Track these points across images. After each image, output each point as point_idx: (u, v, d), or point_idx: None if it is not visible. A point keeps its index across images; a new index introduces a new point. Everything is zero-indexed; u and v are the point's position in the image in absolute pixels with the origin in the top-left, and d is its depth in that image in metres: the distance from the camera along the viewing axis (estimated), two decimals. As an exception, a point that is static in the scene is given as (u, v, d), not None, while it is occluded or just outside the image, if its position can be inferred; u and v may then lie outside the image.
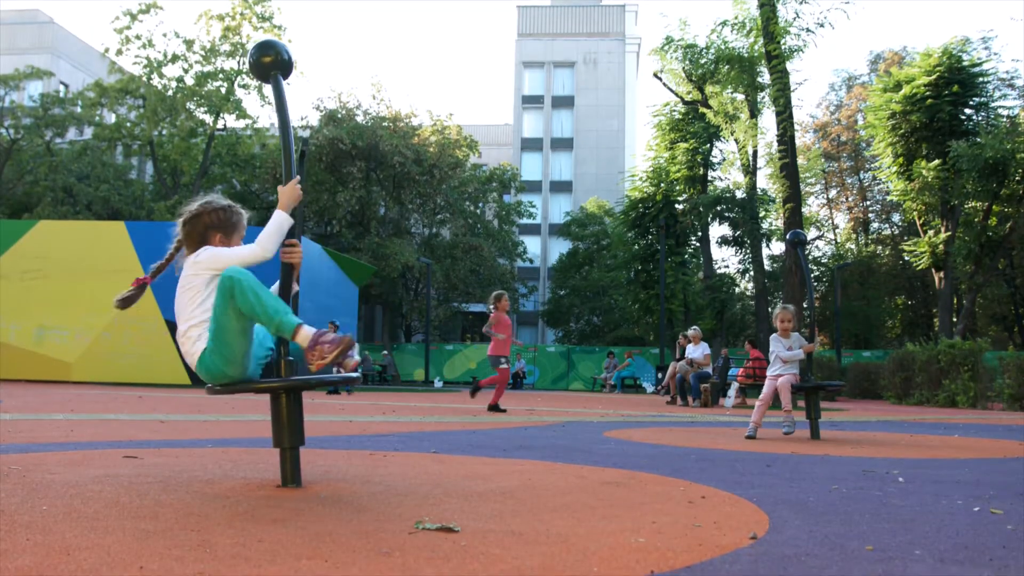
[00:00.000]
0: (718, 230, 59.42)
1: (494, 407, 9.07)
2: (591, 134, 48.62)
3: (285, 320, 2.64)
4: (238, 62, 29.94)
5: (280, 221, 2.81)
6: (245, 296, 2.63)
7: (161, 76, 29.93)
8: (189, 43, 29.64)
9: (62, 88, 37.48)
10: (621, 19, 50.19)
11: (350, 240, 29.50)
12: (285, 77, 2.96)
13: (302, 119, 31.90)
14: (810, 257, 35.25)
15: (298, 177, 2.91)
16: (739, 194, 28.12)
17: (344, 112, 30.34)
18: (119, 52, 29.71)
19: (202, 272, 2.81)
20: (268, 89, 2.99)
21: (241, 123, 32.09)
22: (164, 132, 31.12)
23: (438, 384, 25.04)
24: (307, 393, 10.56)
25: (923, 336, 29.00)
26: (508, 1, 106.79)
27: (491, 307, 9.52)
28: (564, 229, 40.53)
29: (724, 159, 29.75)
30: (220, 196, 3.07)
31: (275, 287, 2.89)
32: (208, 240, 2.91)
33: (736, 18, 20.30)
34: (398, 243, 29.13)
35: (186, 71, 29.92)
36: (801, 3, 17.79)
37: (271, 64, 2.90)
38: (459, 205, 32.75)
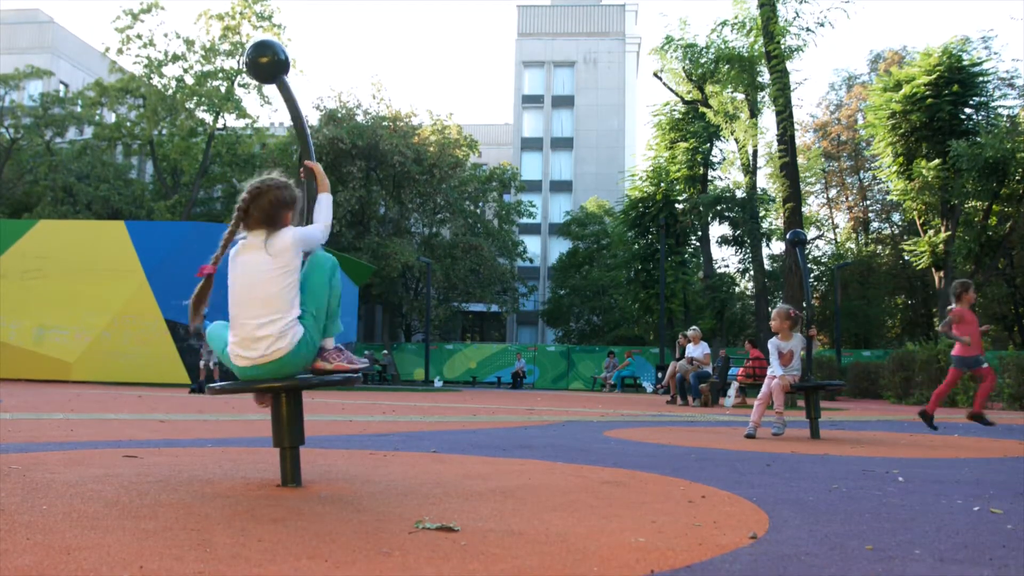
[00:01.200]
0: (718, 230, 59.43)
1: (978, 416, 6.53)
2: (591, 134, 48.60)
3: (331, 326, 2.85)
4: (238, 61, 29.92)
5: (328, 201, 2.91)
6: (337, 285, 2.85)
7: (161, 76, 29.93)
8: (190, 43, 29.65)
9: (62, 88, 37.48)
10: (621, 19, 50.17)
11: (350, 240, 29.51)
12: (277, 77, 2.94)
13: (302, 119, 31.87)
14: (810, 257, 35.25)
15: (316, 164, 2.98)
16: (739, 194, 28.10)
17: (344, 112, 30.33)
18: (120, 52, 29.72)
19: (299, 255, 2.77)
20: (268, 88, 3.02)
21: (241, 122, 32.10)
22: (164, 132, 31.12)
23: (438, 384, 25.05)
24: (307, 393, 10.56)
25: (923, 336, 29.01)
26: (508, 1, 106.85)
27: (953, 300, 6.70)
28: (564, 229, 40.52)
29: (724, 159, 29.74)
30: (277, 174, 2.95)
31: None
32: (281, 220, 2.78)
33: (736, 18, 20.27)
34: (398, 243, 29.13)
35: (186, 71, 29.93)
36: (801, 3, 17.75)
37: (270, 66, 2.88)
38: (459, 205, 32.73)
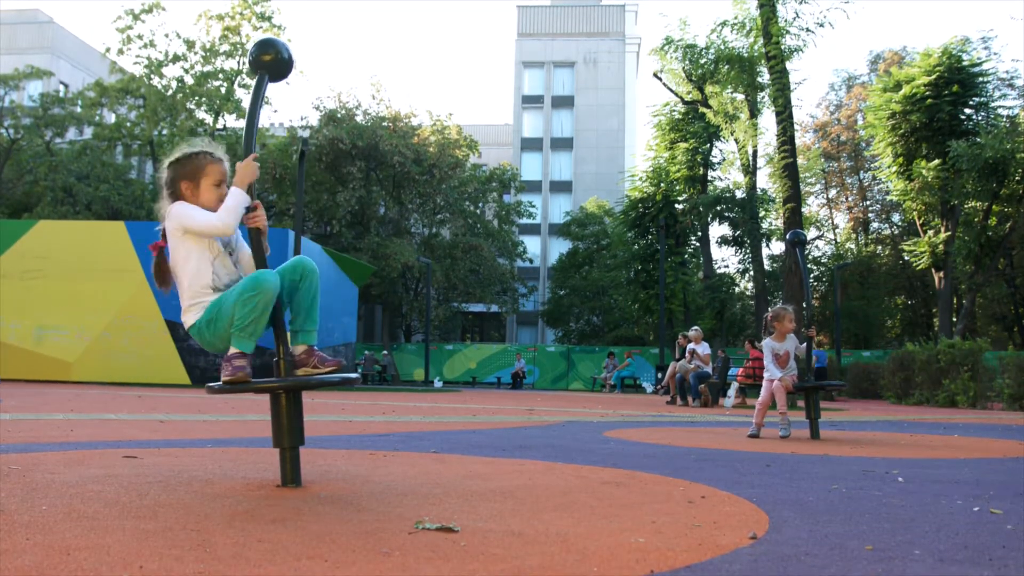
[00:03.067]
0: (718, 230, 59.46)
1: None
2: (591, 134, 48.62)
3: (235, 337, 2.74)
4: (238, 62, 29.94)
5: (236, 196, 2.75)
6: (246, 301, 2.68)
7: (161, 76, 29.96)
8: (190, 43, 29.68)
9: (62, 88, 37.49)
10: (621, 19, 50.19)
11: (350, 240, 29.51)
12: (281, 77, 2.93)
13: (302, 119, 31.92)
14: (810, 257, 35.25)
15: (255, 154, 2.83)
16: (739, 194, 28.14)
17: (344, 112, 30.33)
18: (120, 52, 29.76)
19: (174, 230, 2.79)
20: (268, 88, 2.96)
21: (241, 123, 32.10)
22: (164, 132, 31.14)
23: (438, 384, 25.05)
24: (307, 393, 10.56)
25: (923, 336, 29.02)
26: (508, 1, 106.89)
27: None
28: (564, 229, 40.54)
29: (724, 159, 29.78)
30: (198, 141, 2.96)
31: (248, 253, 2.91)
32: (179, 191, 2.84)
33: (736, 18, 20.29)
34: (398, 243, 29.13)
35: (187, 71, 29.96)
36: (801, 3, 17.79)
37: (268, 63, 2.88)
38: (459, 205, 32.74)
